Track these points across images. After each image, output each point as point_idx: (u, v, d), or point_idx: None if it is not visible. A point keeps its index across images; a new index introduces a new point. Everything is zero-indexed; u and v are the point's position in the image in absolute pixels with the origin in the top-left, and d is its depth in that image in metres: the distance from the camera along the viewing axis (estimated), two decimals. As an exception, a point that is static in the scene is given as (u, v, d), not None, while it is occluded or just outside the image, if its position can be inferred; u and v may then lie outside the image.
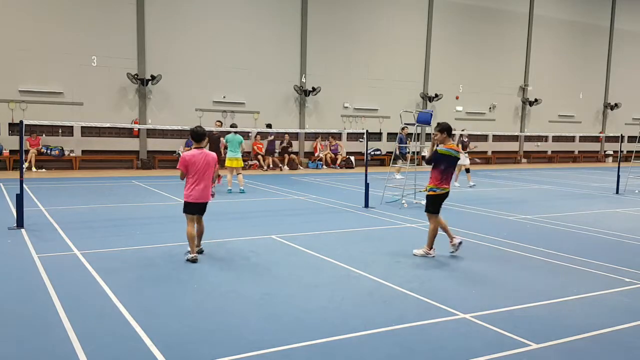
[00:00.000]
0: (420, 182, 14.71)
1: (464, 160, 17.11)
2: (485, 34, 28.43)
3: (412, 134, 14.61)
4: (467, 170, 17.45)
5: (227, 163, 14.28)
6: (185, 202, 7.39)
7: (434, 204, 7.90)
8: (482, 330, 5.10)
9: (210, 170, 7.36)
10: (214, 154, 7.46)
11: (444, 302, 5.74)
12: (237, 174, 14.42)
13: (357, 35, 25.05)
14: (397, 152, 18.03)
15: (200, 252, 7.59)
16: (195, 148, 7.38)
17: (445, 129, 7.86)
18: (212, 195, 8.01)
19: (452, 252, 7.97)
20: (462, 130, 17.98)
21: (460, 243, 7.96)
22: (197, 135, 7.38)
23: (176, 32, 21.37)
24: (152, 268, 7.03)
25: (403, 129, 17.93)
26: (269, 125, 22.27)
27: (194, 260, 7.18)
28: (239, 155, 14.27)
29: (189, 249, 7.33)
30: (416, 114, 13.93)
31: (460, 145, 17.26)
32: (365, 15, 25.19)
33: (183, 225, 9.87)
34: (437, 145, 7.92)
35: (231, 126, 14.80)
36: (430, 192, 7.86)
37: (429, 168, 8.12)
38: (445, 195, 7.96)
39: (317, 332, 4.94)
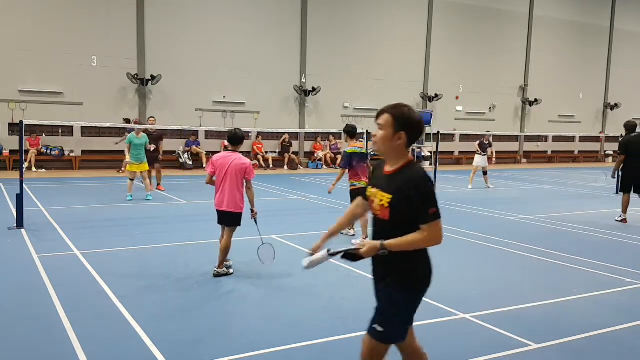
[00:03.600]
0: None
1: (482, 161, 16.93)
2: (485, 34, 28.42)
3: None
4: (485, 173, 17.18)
5: (135, 168, 12.69)
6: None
7: (354, 197, 8.66)
8: (482, 330, 5.10)
9: (239, 178, 6.58)
10: (247, 160, 6.70)
11: (444, 302, 5.74)
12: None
13: (357, 35, 25.04)
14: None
15: (218, 275, 6.60)
16: (229, 150, 6.73)
17: (346, 132, 8.89)
18: (253, 214, 6.78)
19: (343, 233, 8.79)
20: (487, 132, 17.80)
21: (353, 235, 8.81)
22: (234, 139, 6.68)
23: (176, 32, 21.36)
24: (152, 268, 7.03)
25: None
26: (127, 121, 19.36)
27: (224, 274, 6.69)
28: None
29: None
30: (416, 114, 13.91)
31: (479, 147, 17.10)
32: (365, 15, 25.18)
33: (182, 226, 9.93)
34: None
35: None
36: (352, 187, 8.87)
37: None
38: (365, 188, 8.76)
39: (317, 332, 4.94)
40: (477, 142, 17.26)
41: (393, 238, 3.01)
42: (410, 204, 2.97)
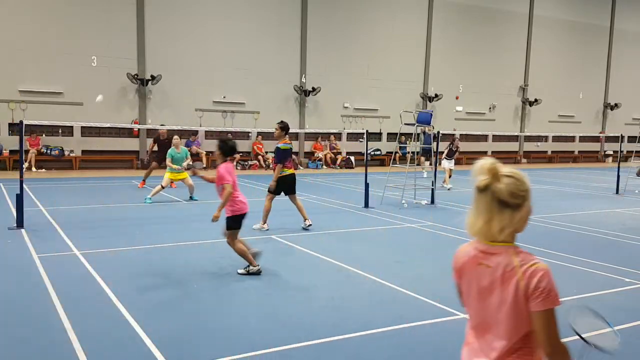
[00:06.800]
0: (421, 183, 14.71)
1: (450, 164, 16.62)
2: (485, 34, 28.42)
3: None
4: (449, 175, 16.55)
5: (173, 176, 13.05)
6: (236, 216, 6.69)
7: (282, 184, 9.65)
8: (482, 330, 5.09)
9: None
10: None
11: (444, 302, 5.73)
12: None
13: (357, 35, 25.04)
14: (422, 152, 17.20)
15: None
16: (229, 161, 6.79)
17: (283, 128, 9.82)
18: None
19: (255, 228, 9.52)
20: (455, 132, 17.52)
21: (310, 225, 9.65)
22: (232, 150, 6.81)
23: (176, 32, 21.36)
24: (152, 268, 7.03)
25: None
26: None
27: (259, 272, 6.70)
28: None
29: (248, 263, 6.75)
30: (416, 114, 13.94)
31: (446, 150, 16.67)
32: (365, 15, 25.18)
33: (183, 226, 9.93)
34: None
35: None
36: (281, 174, 9.59)
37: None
38: (293, 176, 9.80)
39: (317, 332, 4.94)
40: (446, 146, 16.72)
41: None
42: None
